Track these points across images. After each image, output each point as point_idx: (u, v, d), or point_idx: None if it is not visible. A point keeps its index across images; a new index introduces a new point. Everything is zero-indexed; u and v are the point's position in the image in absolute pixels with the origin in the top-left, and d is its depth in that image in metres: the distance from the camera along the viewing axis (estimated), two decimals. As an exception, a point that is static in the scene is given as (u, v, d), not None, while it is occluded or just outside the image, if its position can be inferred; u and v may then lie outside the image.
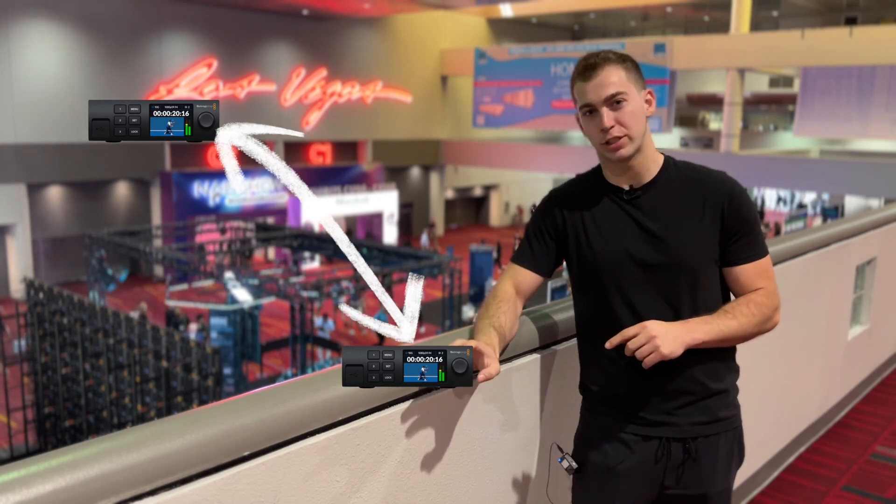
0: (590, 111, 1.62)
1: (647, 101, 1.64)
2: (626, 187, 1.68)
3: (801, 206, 29.87)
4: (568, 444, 1.85)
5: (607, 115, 1.59)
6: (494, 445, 1.82)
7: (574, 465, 1.77)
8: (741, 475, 3.14)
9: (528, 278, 1.78)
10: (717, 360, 1.69)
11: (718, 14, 28.94)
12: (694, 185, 1.67)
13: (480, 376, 1.49)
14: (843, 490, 3.32)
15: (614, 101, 1.58)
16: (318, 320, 14.58)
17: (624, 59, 1.61)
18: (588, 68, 1.60)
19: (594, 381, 1.76)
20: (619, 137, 1.60)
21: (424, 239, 24.92)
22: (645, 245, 1.64)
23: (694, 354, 1.64)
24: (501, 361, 1.81)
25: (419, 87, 27.94)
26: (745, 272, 1.66)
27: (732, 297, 1.71)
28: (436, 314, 15.86)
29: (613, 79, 1.58)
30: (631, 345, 1.52)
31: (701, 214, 1.64)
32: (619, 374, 1.68)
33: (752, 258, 1.66)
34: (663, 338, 1.52)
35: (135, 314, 15.09)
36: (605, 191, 1.71)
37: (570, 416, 1.89)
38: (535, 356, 1.90)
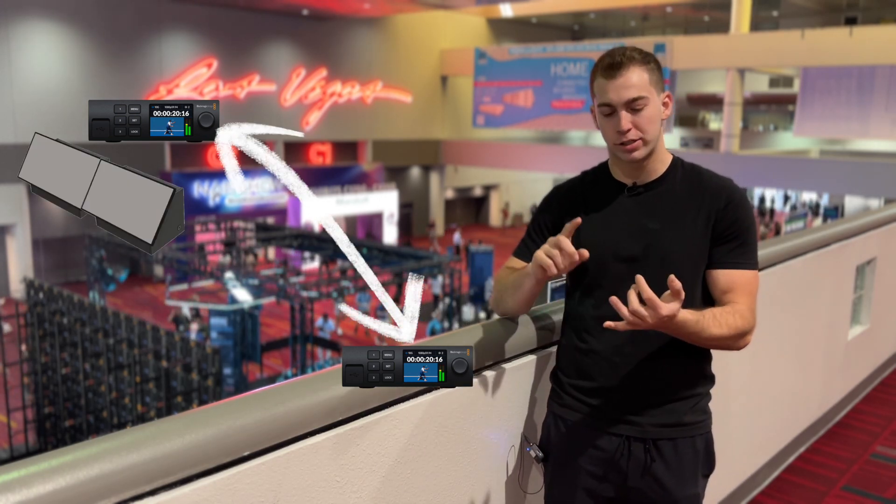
0: (608, 110, 1.61)
1: (665, 104, 1.64)
2: (630, 184, 1.69)
3: (795, 207, 29.92)
4: None
5: (625, 119, 1.58)
6: (495, 444, 1.82)
7: (540, 454, 1.80)
8: (741, 475, 3.14)
9: None
10: (691, 366, 1.69)
11: (718, 14, 28.93)
12: (695, 188, 1.67)
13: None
14: (843, 490, 3.32)
15: (634, 105, 1.58)
16: (318, 320, 14.57)
17: (648, 60, 1.60)
18: (613, 67, 1.58)
19: (565, 371, 1.77)
20: (635, 140, 1.60)
21: (457, 237, 24.81)
22: (634, 242, 1.64)
23: (669, 358, 1.65)
24: (501, 362, 1.82)
25: (419, 87, 27.93)
26: (728, 278, 1.63)
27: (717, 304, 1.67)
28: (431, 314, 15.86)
29: (635, 80, 1.57)
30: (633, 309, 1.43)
31: (695, 217, 1.64)
32: (591, 367, 1.69)
33: (737, 265, 1.63)
34: (665, 323, 1.45)
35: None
36: (609, 186, 1.72)
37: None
38: (536, 356, 1.91)
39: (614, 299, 1.43)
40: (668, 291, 1.43)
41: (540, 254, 1.56)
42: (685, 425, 1.68)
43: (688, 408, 1.69)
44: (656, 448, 1.67)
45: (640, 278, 1.42)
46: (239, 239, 16.22)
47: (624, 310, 1.43)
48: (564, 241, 1.53)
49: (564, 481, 1.76)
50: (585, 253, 1.54)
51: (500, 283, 1.79)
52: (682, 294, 1.42)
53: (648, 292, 1.41)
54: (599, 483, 1.72)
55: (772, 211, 31.35)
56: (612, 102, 1.59)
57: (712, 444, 1.76)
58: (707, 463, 1.75)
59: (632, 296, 1.43)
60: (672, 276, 1.41)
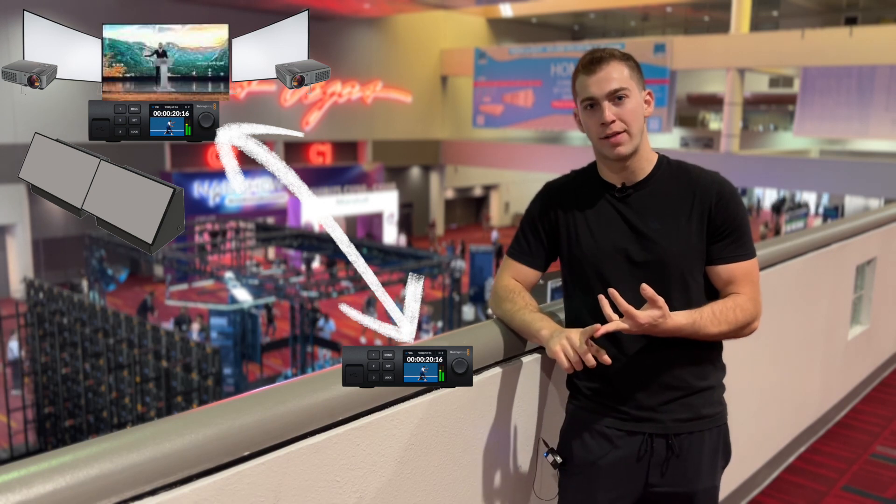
0: (591, 105, 1.63)
1: (647, 102, 1.66)
2: (619, 185, 1.70)
3: (794, 207, 29.91)
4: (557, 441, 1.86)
5: (609, 109, 1.60)
6: (494, 445, 1.82)
7: (559, 459, 1.79)
8: (741, 475, 3.14)
9: (525, 274, 1.80)
10: (703, 358, 1.71)
11: (718, 14, 28.93)
12: (684, 184, 1.68)
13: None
14: (843, 490, 3.32)
15: (616, 97, 1.60)
16: (319, 320, 14.57)
17: (627, 58, 1.64)
18: (593, 62, 1.62)
19: (579, 376, 1.76)
20: (619, 133, 1.61)
21: (495, 235, 24.79)
22: (633, 243, 1.65)
23: (680, 351, 1.66)
24: (501, 362, 1.82)
25: (419, 87, 27.93)
26: (729, 272, 1.67)
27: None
28: (436, 314, 15.85)
29: (616, 74, 1.60)
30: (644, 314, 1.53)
31: (689, 214, 1.65)
32: (605, 369, 1.68)
33: (736, 259, 1.66)
34: (652, 329, 1.54)
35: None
36: (598, 188, 1.73)
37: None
38: (534, 357, 1.90)
39: (602, 298, 1.52)
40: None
41: (558, 347, 1.59)
42: (703, 418, 1.70)
43: (704, 400, 1.70)
44: (678, 443, 1.68)
45: (612, 291, 1.50)
46: (239, 238, 16.20)
47: (613, 313, 1.53)
48: (589, 355, 1.55)
49: (583, 486, 1.75)
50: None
51: (506, 308, 1.78)
52: (658, 300, 1.50)
53: (624, 305, 1.49)
54: (620, 484, 1.72)
55: (778, 209, 31.27)
56: (594, 95, 1.61)
57: (728, 434, 1.78)
58: (725, 454, 1.77)
59: (606, 307, 1.50)
60: (644, 285, 1.49)
